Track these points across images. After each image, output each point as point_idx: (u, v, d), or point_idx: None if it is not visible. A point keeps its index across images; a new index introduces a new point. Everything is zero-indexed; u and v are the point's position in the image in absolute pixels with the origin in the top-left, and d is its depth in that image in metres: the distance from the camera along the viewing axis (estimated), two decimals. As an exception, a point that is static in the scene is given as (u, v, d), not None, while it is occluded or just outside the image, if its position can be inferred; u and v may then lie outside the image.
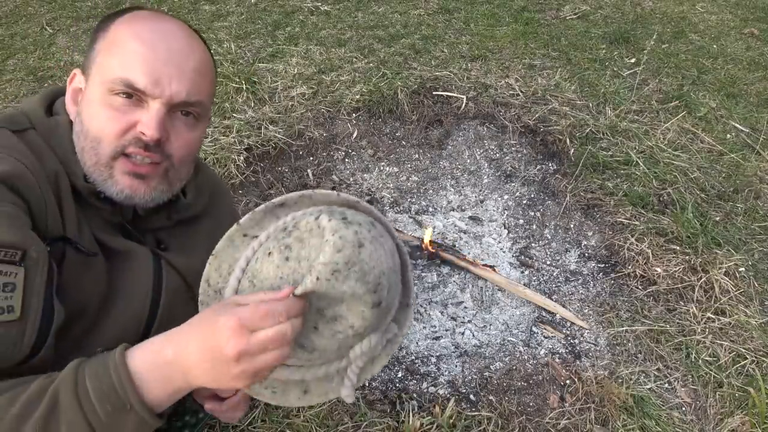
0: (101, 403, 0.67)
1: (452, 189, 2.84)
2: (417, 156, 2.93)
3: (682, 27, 4.18)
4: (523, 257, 2.47)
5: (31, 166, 0.81)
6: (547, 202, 2.68)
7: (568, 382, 1.88)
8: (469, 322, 2.18)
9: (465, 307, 2.24)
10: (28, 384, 0.69)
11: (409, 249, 2.40)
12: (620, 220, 2.45)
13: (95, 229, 0.90)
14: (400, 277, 0.82)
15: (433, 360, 1.99)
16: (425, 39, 3.68)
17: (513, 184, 2.79)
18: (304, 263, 0.72)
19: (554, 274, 2.38)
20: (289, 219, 0.80)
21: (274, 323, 0.68)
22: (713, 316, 2.07)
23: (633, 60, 3.62)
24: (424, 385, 1.88)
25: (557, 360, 1.97)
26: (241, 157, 2.58)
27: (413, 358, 2.00)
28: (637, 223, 2.42)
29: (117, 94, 0.85)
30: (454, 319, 2.18)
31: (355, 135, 2.89)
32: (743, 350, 1.97)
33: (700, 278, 2.18)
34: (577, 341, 2.07)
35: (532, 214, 2.65)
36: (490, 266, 2.36)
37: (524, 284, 2.32)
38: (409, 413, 1.70)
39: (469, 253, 2.46)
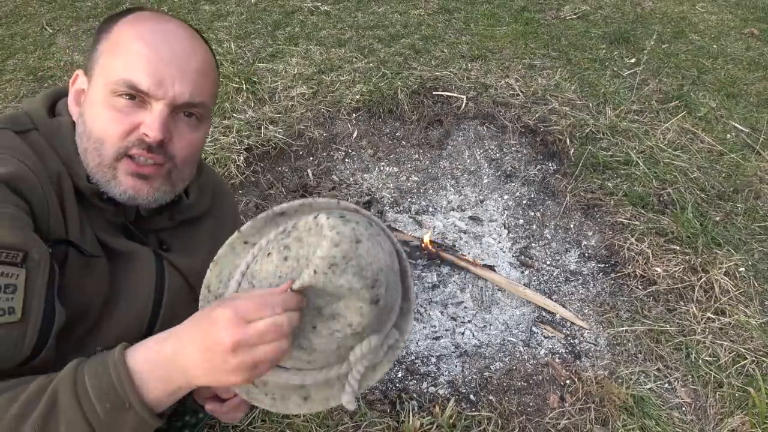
0: (100, 401, 0.67)
1: (452, 189, 2.84)
2: (417, 156, 2.94)
3: (682, 27, 4.19)
4: (523, 257, 2.48)
5: (34, 167, 0.81)
6: (547, 202, 2.68)
7: (568, 382, 1.88)
8: (469, 322, 2.18)
9: (465, 307, 2.24)
10: (27, 384, 0.68)
11: (408, 249, 2.40)
12: (620, 220, 2.45)
13: (98, 229, 0.90)
14: (399, 281, 0.82)
15: (433, 360, 1.99)
16: (425, 39, 3.68)
17: (513, 184, 2.80)
18: (303, 261, 0.73)
19: (554, 274, 2.38)
20: (290, 225, 0.80)
21: (272, 314, 0.67)
22: (713, 316, 2.08)
23: (633, 60, 3.62)
24: (424, 385, 1.88)
25: (557, 360, 1.98)
26: (241, 157, 2.58)
27: (413, 358, 2.00)
28: (637, 223, 2.42)
29: (120, 95, 0.85)
30: (454, 319, 2.19)
31: (355, 135, 2.89)
32: (743, 350, 1.97)
33: (700, 278, 2.18)
34: (577, 341, 2.07)
35: (532, 214, 2.66)
36: (490, 266, 2.36)
37: (524, 284, 2.32)
38: (409, 413, 1.70)
39: (469, 253, 2.46)
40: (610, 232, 2.43)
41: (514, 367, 1.94)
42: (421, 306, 2.23)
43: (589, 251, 2.45)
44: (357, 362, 0.76)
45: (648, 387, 1.88)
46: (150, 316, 0.95)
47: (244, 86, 2.94)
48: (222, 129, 2.69)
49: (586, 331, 2.10)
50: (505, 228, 2.63)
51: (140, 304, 0.94)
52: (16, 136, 0.85)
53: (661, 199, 2.56)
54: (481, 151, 2.94)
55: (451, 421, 1.69)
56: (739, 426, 1.76)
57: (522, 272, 2.42)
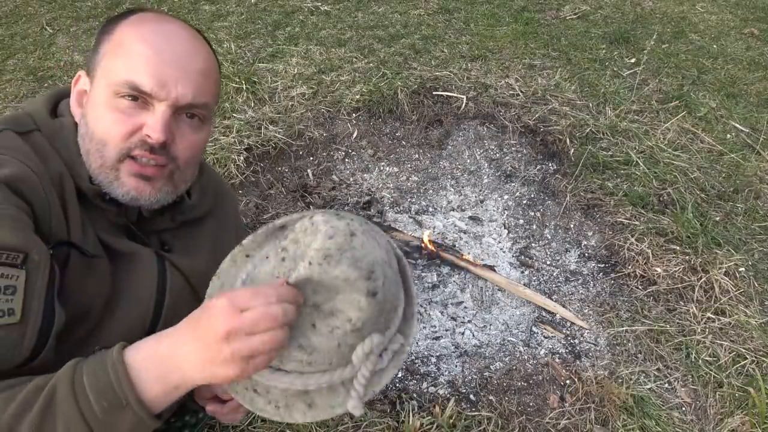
0: (98, 400, 0.67)
1: (452, 189, 2.84)
2: (417, 156, 2.94)
3: (682, 27, 4.19)
4: (523, 257, 2.48)
5: (36, 168, 0.81)
6: (547, 202, 2.68)
7: (568, 382, 1.89)
8: (469, 322, 2.18)
9: (465, 307, 2.24)
10: (25, 383, 0.68)
11: (408, 249, 2.40)
12: (620, 220, 2.45)
13: (99, 230, 0.90)
14: (400, 283, 0.83)
15: (433, 360, 2.00)
16: (425, 39, 3.68)
17: (513, 184, 2.80)
18: (299, 260, 0.73)
19: (554, 274, 2.38)
20: (288, 231, 0.81)
21: (266, 303, 0.67)
22: (713, 316, 2.08)
23: (633, 60, 3.62)
24: (424, 385, 1.88)
25: (557, 360, 1.98)
26: (241, 157, 2.58)
27: (413, 358, 2.00)
28: (637, 223, 2.42)
29: (122, 96, 0.85)
30: (454, 319, 2.19)
31: (355, 135, 2.90)
32: (743, 350, 1.98)
33: (700, 278, 2.18)
34: (577, 341, 2.08)
35: (532, 214, 2.66)
36: (490, 266, 2.36)
37: (524, 284, 2.33)
38: (409, 413, 1.71)
39: (469, 253, 2.46)
40: (610, 232, 2.44)
41: (514, 367, 1.94)
42: (421, 306, 2.23)
43: (589, 251, 2.45)
44: (360, 363, 0.76)
45: (648, 387, 1.88)
46: (152, 317, 0.95)
47: (244, 86, 2.94)
48: (222, 129, 2.69)
49: (586, 331, 2.10)
50: (505, 228, 2.64)
51: (142, 305, 0.94)
52: (18, 137, 0.85)
53: (661, 199, 2.56)
54: (481, 151, 2.95)
55: (451, 421, 1.70)
56: (739, 426, 1.77)
57: (522, 272, 2.42)
